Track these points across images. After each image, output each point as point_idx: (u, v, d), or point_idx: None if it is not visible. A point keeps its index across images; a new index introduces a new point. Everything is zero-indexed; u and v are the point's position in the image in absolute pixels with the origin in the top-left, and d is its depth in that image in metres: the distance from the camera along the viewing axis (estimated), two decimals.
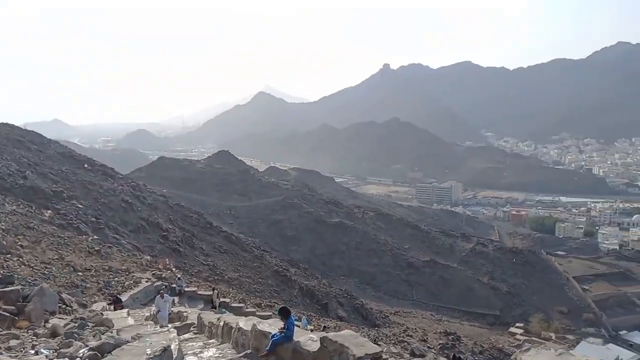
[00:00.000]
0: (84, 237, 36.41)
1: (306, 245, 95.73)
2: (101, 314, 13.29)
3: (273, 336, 8.81)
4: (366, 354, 6.92)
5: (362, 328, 44.10)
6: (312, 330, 23.21)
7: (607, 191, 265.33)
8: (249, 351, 9.45)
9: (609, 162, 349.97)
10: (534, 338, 64.66)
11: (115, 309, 16.76)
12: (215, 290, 26.24)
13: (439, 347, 45.30)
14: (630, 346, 66.82)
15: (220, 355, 10.11)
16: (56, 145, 67.58)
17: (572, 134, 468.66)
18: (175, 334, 7.51)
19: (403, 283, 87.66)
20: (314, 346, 8.02)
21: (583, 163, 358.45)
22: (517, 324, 71.10)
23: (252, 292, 45.77)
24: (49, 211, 40.63)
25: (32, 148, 58.87)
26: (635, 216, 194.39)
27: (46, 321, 11.71)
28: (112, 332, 9.25)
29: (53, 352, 7.24)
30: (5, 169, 46.29)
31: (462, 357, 46.74)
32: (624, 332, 74.48)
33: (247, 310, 24.21)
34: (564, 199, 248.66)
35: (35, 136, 66.06)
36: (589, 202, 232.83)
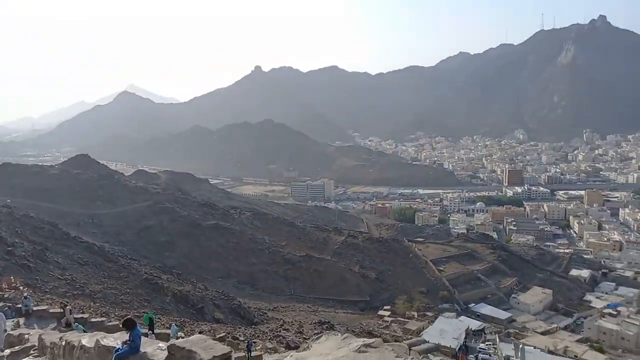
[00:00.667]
0: None
1: (181, 250, 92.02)
2: None
3: (116, 350, 8.37)
4: (214, 356, 6.91)
5: (239, 327, 44.05)
6: (182, 338, 22.68)
7: (455, 183, 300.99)
8: None
9: (456, 158, 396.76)
10: (399, 318, 70.73)
11: None
12: (68, 307, 23.99)
13: (314, 336, 47.22)
14: (477, 316, 76.74)
15: None
16: None
17: (426, 133, 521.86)
18: None
19: (281, 279, 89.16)
20: (162, 355, 7.76)
21: (436, 159, 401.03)
22: (385, 307, 77.02)
23: (119, 303, 42.77)
24: None
25: None
26: (478, 204, 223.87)
27: None
28: None
29: None
30: None
31: (469, 346, 49.41)
32: (472, 304, 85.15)
33: (109, 324, 22.66)
34: (421, 191, 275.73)
35: None
36: (441, 193, 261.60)
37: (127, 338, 8.47)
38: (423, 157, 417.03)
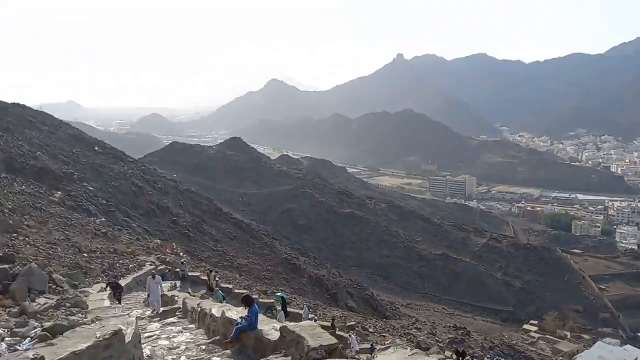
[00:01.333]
0: (92, 219, 35.76)
1: (318, 234, 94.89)
2: (79, 295, 12.79)
3: (237, 324, 9.02)
4: (321, 345, 7.03)
5: (370, 319, 43.07)
6: (315, 320, 22.36)
7: (625, 190, 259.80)
8: (217, 337, 9.77)
9: (627, 160, 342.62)
10: (548, 336, 63.12)
11: (114, 294, 15.98)
12: (212, 273, 25.42)
13: (447, 341, 44.15)
14: None
15: (192, 340, 10.39)
16: (67, 127, 67.15)
17: (588, 131, 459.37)
18: (134, 318, 7.42)
19: (414, 275, 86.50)
20: (275, 335, 8.20)
21: (600, 160, 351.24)
22: (532, 321, 69.50)
23: (261, 279, 44.98)
24: (59, 192, 40.04)
25: (43, 129, 58.45)
26: None
27: (32, 300, 11.13)
28: (82, 314, 8.71)
29: (7, 331, 6.59)
30: (16, 149, 45.78)
31: (467, 352, 45.59)
32: None
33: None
34: (580, 196, 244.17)
35: (46, 117, 65.71)
36: (606, 201, 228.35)
37: (245, 314, 9.05)
38: (584, 157, 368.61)
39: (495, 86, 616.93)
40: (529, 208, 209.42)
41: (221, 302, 18.31)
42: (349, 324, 31.63)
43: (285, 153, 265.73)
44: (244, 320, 8.98)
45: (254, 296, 25.24)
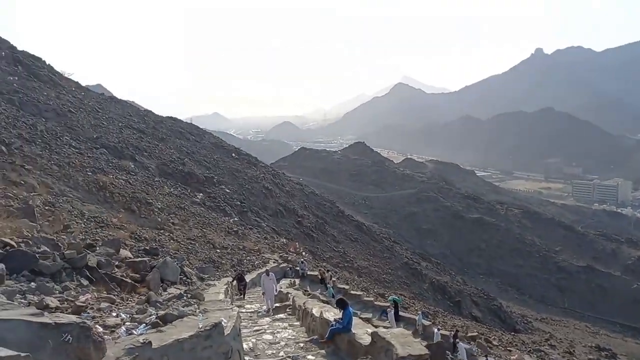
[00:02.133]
0: (226, 218, 39.68)
1: (442, 239, 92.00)
2: (200, 287, 14.28)
3: (331, 325, 9.33)
4: (410, 354, 6.90)
5: (497, 331, 40.56)
6: (438, 329, 21.97)
7: None
8: (315, 337, 10.14)
9: None
10: None
11: (238, 287, 17.67)
12: (329, 272, 26.35)
13: None
14: None
15: (293, 337, 10.91)
16: (210, 136, 75.15)
17: None
18: (236, 312, 7.63)
19: (552, 288, 79.00)
20: (367, 340, 8.26)
21: None
22: None
23: (381, 281, 45.28)
24: (201, 194, 45.19)
25: (190, 138, 66.28)
26: None
27: (164, 289, 12.78)
28: (197, 305, 9.74)
29: (128, 316, 7.74)
30: (168, 156, 52.77)
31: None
32: None
33: (365, 298, 23.82)
34: None
35: (193, 128, 74.32)
36: None
37: (340, 316, 9.32)
38: None
39: None
40: None
41: (333, 298, 19.22)
42: (470, 334, 30.20)
43: (409, 157, 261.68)
44: (337, 323, 9.22)
45: (369, 298, 25.85)
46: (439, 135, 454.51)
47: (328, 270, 28.12)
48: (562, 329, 58.64)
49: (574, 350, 43.36)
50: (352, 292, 25.60)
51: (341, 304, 9.33)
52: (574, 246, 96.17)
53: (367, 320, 21.49)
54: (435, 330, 21.88)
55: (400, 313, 23.81)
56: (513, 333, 45.77)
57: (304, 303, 13.18)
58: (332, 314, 10.24)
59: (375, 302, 24.65)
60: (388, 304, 23.45)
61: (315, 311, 10.99)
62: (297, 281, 25.09)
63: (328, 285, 23.01)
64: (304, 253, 36.28)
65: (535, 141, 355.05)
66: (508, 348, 32.34)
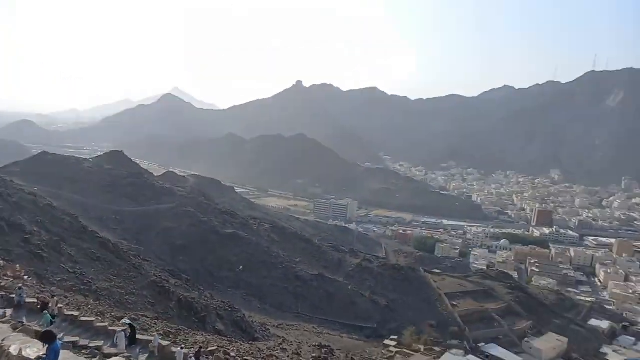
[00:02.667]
0: None
1: (195, 255, 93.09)
2: None
3: None
4: None
5: (236, 342, 43.94)
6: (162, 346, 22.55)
7: (482, 217, 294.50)
8: None
9: (485, 191, 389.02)
10: (404, 350, 69.04)
11: None
12: (55, 298, 24.51)
13: (310, 359, 46.59)
14: (486, 357, 74.25)
15: None
16: None
17: (458, 164, 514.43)
18: None
19: (290, 296, 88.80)
20: None
21: (465, 190, 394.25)
22: (392, 337, 75.39)
23: (123, 303, 43.51)
24: None
25: None
26: (502, 241, 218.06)
27: None
28: None
29: None
30: None
31: None
32: (483, 344, 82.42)
33: (98, 324, 23.09)
34: (445, 221, 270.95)
35: None
36: (466, 226, 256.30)
37: (44, 352, 8.42)
38: (452, 187, 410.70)
39: (383, 118, 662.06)
40: (400, 231, 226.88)
41: (48, 326, 18.19)
42: (210, 349, 31.38)
43: (172, 170, 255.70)
44: None
45: (103, 324, 24.71)
46: (203, 150, 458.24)
47: (54, 296, 25.84)
48: (294, 332, 66.87)
49: (300, 351, 50.10)
50: (82, 318, 24.04)
51: (46, 338, 8.37)
52: (310, 257, 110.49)
53: (98, 349, 20.92)
54: (179, 349, 22.72)
55: (138, 336, 23.67)
56: (252, 342, 50.02)
57: (2, 340, 11.42)
58: (36, 350, 9.12)
59: (110, 328, 23.70)
60: (123, 329, 22.93)
61: (14, 349, 9.58)
62: (9, 312, 21.98)
63: (45, 313, 21.20)
64: (26, 277, 32.26)
65: (289, 163, 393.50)
66: (245, 357, 35.22)
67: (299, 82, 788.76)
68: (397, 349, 69.29)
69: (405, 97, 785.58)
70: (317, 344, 58.42)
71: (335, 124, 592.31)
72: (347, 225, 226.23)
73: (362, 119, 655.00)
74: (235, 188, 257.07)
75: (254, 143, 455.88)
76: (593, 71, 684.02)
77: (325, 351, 53.88)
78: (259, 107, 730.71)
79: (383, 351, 68.87)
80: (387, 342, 73.50)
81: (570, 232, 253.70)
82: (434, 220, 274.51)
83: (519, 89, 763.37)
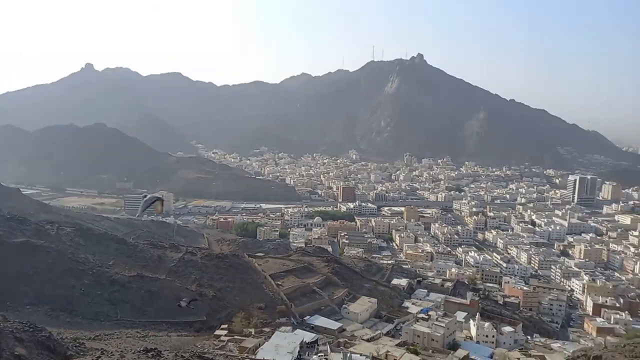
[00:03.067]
0: None
1: None
2: None
3: None
4: None
5: None
6: None
7: (296, 198, 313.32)
8: None
9: (297, 174, 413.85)
10: (236, 336, 69.44)
11: None
12: None
13: None
14: (312, 328, 79.65)
15: None
16: None
17: (269, 149, 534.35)
18: None
19: (105, 303, 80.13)
20: None
21: (279, 174, 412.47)
22: (222, 326, 74.95)
23: None
24: None
25: None
26: (315, 218, 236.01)
27: None
28: None
29: None
30: None
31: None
32: (308, 317, 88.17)
33: None
34: (264, 205, 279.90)
35: None
36: (283, 208, 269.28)
37: None
38: (266, 172, 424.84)
39: (190, 105, 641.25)
40: (221, 219, 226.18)
41: None
42: None
43: None
44: None
45: None
46: None
47: None
48: (115, 341, 60.89)
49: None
50: None
51: None
52: (125, 258, 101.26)
53: None
54: None
55: None
56: None
57: None
58: None
59: None
60: None
61: None
62: None
63: None
64: None
65: (87, 156, 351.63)
66: None
67: (89, 65, 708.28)
68: (228, 337, 69.29)
69: (211, 82, 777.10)
70: (142, 348, 54.31)
71: (138, 111, 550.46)
72: (164, 220, 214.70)
73: (169, 105, 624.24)
74: (22, 189, 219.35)
75: (39, 135, 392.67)
76: (373, 61, 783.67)
77: (152, 354, 50.63)
78: (41, 93, 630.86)
79: (215, 342, 68.10)
80: (218, 332, 72.86)
81: (370, 205, 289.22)
82: (252, 205, 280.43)
83: (315, 76, 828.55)
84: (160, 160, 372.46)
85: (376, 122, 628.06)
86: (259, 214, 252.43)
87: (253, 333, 72.00)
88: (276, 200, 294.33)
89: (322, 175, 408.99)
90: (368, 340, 70.27)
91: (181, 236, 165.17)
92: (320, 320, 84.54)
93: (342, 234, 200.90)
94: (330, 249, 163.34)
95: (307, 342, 63.29)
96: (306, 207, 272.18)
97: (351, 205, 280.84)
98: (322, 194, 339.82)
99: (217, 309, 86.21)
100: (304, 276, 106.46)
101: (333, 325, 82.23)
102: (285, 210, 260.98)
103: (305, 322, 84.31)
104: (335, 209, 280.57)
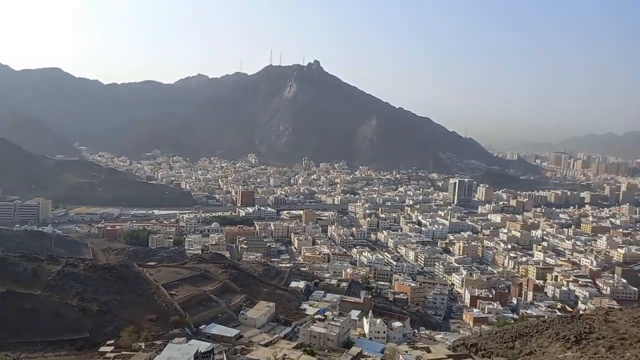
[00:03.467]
0: None
1: None
2: None
3: None
4: None
5: None
6: None
7: (192, 203, 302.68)
8: None
9: (193, 178, 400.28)
10: (124, 352, 65.15)
11: None
12: None
13: None
14: (208, 337, 77.44)
15: None
16: None
17: (163, 152, 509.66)
18: None
19: None
20: None
21: (173, 178, 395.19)
22: (108, 342, 69.83)
23: None
24: None
25: None
26: (213, 224, 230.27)
27: None
28: None
29: None
30: None
31: None
32: (204, 326, 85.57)
33: None
34: (157, 211, 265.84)
35: None
36: (177, 214, 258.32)
37: None
38: (160, 176, 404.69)
39: (72, 104, 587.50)
40: (108, 227, 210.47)
41: None
42: None
43: None
44: None
45: None
46: None
47: None
48: None
49: None
50: None
51: None
52: None
53: None
54: None
55: None
56: None
57: None
58: None
59: None
60: None
61: None
62: None
63: None
64: None
65: None
66: None
67: None
68: (114, 354, 64.83)
69: (97, 80, 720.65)
70: None
71: (11, 109, 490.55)
72: (41, 229, 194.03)
73: (46, 104, 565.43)
74: None
75: None
76: (271, 65, 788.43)
77: None
78: None
79: (100, 359, 63.37)
80: (103, 348, 67.74)
81: (269, 209, 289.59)
82: (144, 211, 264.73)
83: (212, 78, 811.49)
84: (36, 164, 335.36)
85: (275, 126, 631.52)
86: (152, 221, 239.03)
87: (143, 347, 68.12)
88: (170, 206, 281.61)
89: (220, 180, 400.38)
90: (266, 345, 70.41)
91: (61, 247, 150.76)
92: (216, 329, 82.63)
93: (241, 239, 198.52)
94: (228, 255, 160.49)
95: (202, 352, 61.63)
96: (203, 212, 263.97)
97: (250, 209, 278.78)
98: (220, 199, 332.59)
99: (103, 323, 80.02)
100: (200, 284, 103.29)
101: (230, 332, 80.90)
102: (181, 216, 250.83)
103: (200, 332, 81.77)
104: (233, 213, 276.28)
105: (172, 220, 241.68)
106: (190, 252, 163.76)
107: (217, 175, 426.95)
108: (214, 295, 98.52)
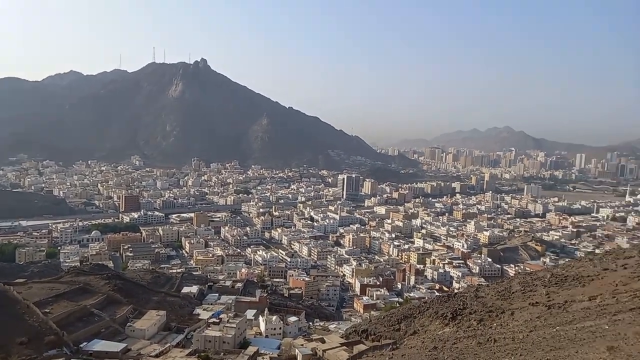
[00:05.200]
0: None
1: None
2: None
3: None
4: None
5: None
6: None
7: (68, 211, 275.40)
8: None
9: (68, 184, 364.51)
10: None
11: None
12: None
13: None
14: (90, 355, 71.85)
15: None
16: None
17: (30, 156, 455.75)
18: None
19: None
20: None
21: (44, 185, 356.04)
22: None
23: None
24: None
25: None
26: (93, 232, 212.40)
27: None
28: None
29: None
30: None
31: None
32: (85, 343, 79.08)
33: None
34: (24, 223, 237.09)
35: None
36: (50, 224, 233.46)
37: None
38: (27, 183, 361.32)
39: None
40: None
41: None
42: None
43: None
44: None
45: None
46: None
47: None
48: None
49: None
50: None
51: None
52: None
53: None
54: None
55: None
56: None
57: None
58: None
59: None
60: None
61: None
62: None
63: None
64: None
65: None
66: None
67: None
68: None
69: None
70: None
71: None
72: None
73: None
74: None
75: None
76: (154, 62, 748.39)
77: None
78: None
79: None
80: None
81: (157, 213, 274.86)
82: (9, 223, 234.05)
83: (87, 75, 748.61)
84: None
85: (161, 126, 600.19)
86: (18, 233, 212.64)
87: None
88: (41, 216, 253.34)
89: (99, 185, 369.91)
90: (157, 356, 67.56)
91: None
92: (100, 345, 77.04)
93: (126, 247, 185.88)
94: (111, 265, 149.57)
95: None
96: (81, 220, 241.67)
97: (135, 215, 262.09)
98: (101, 205, 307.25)
99: None
100: (80, 298, 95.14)
101: (116, 347, 75.99)
102: (54, 226, 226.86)
103: (81, 350, 75.63)
104: (116, 220, 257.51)
105: (44, 231, 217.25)
106: (67, 264, 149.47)
107: (96, 179, 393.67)
108: (96, 309, 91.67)
